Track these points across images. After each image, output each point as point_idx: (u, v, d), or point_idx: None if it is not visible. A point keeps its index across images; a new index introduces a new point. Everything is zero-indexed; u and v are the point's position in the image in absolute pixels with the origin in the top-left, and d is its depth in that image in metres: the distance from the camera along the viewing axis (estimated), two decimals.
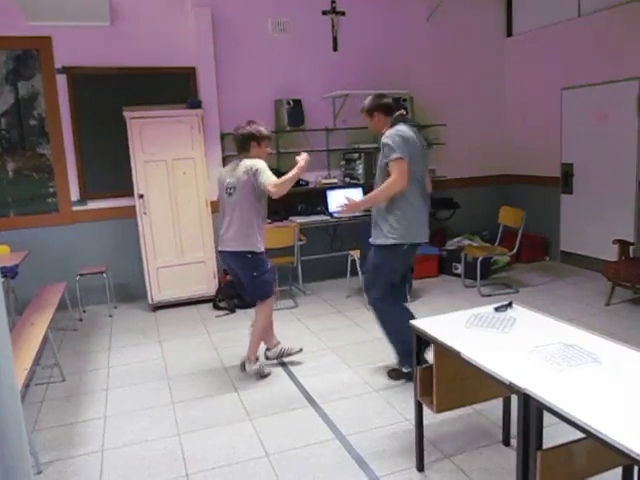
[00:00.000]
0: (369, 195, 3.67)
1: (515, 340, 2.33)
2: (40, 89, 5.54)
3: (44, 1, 5.13)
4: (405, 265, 3.78)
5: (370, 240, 3.71)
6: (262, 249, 3.80)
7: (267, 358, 4.14)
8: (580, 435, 1.79)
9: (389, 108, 3.68)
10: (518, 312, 2.67)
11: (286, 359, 4.18)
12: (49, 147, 5.64)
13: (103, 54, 5.64)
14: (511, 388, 1.96)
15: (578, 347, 2.18)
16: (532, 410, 1.90)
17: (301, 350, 4.19)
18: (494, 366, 2.07)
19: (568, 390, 1.87)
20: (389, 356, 4.05)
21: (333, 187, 6.23)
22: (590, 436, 1.67)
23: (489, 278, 6.14)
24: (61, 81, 5.57)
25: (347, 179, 6.48)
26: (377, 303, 3.73)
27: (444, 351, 2.39)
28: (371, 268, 3.74)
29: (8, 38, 5.34)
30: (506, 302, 2.72)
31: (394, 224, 3.56)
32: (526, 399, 1.90)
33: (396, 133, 3.52)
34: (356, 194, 5.34)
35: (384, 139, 3.54)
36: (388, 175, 3.51)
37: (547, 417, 1.86)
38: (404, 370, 3.70)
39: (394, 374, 3.80)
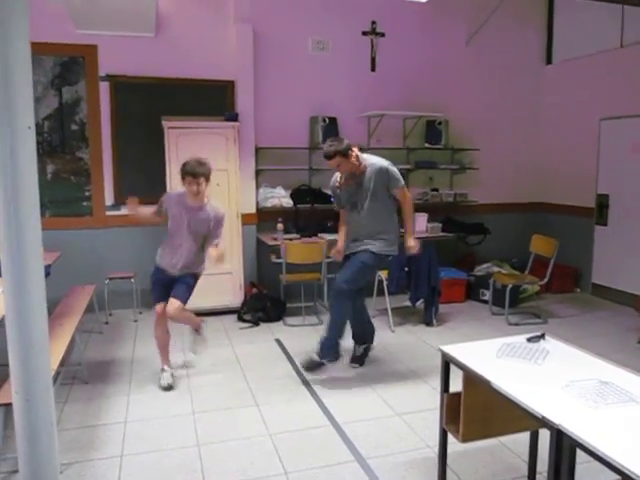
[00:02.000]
0: (410, 223, 4.25)
1: (548, 373, 2.27)
2: (83, 95, 5.68)
3: (94, 10, 5.29)
4: None
5: (370, 248, 4.06)
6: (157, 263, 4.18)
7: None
8: (613, 476, 1.73)
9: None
10: (551, 344, 2.60)
11: (309, 376, 4.17)
12: (88, 152, 5.76)
13: (146, 64, 5.77)
14: (544, 422, 1.91)
15: (614, 385, 2.11)
16: (565, 447, 1.84)
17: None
18: (526, 398, 2.02)
19: (603, 428, 1.81)
20: (411, 378, 4.03)
21: None
22: (625, 478, 1.61)
23: (517, 306, 6.03)
24: (104, 88, 5.71)
25: None
26: (346, 294, 4.02)
27: (473, 379, 2.34)
28: (359, 266, 4.07)
29: (56, 44, 5.49)
30: (539, 333, 2.66)
31: (396, 238, 4.17)
32: (559, 435, 1.84)
33: (390, 163, 4.09)
34: None
35: (389, 167, 4.04)
36: (391, 198, 4.10)
37: (578, 455, 1.80)
38: (321, 360, 4.10)
39: (311, 365, 4.12)
